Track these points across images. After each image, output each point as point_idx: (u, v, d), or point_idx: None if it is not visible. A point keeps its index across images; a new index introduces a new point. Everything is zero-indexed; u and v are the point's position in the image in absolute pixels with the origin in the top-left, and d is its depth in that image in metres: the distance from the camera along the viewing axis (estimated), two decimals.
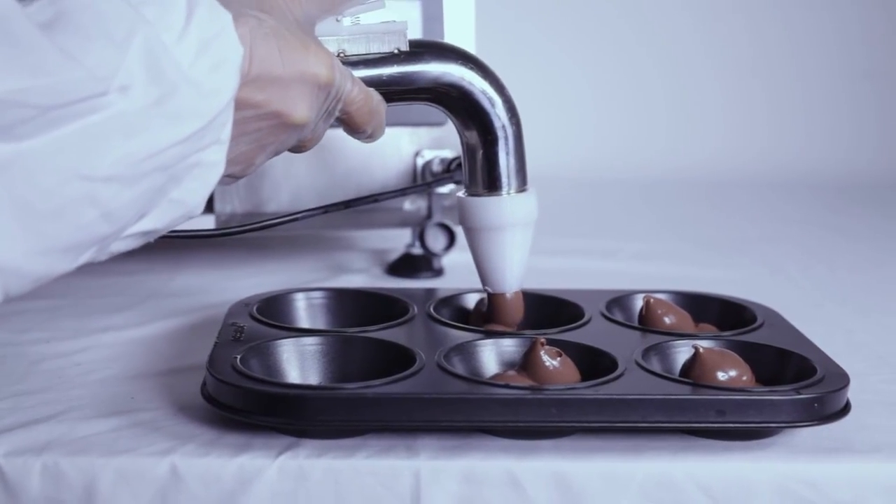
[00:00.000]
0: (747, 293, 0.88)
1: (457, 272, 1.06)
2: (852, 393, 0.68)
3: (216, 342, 0.72)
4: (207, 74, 0.54)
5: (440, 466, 0.63)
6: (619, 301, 0.83)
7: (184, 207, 0.56)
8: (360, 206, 0.89)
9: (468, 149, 0.75)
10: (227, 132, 0.56)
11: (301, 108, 0.60)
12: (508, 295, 0.76)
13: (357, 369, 0.71)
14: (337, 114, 0.65)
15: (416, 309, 0.80)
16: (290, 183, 1.01)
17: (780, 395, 0.65)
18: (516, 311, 0.77)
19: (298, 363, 0.71)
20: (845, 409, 0.67)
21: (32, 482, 0.62)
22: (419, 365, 0.68)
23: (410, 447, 0.65)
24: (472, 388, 0.66)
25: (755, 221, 1.41)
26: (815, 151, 1.71)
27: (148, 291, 0.98)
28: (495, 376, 0.70)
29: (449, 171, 1.00)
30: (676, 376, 0.69)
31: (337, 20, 0.66)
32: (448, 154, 1.03)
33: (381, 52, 0.68)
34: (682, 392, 0.66)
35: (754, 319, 0.80)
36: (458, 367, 0.69)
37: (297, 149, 0.65)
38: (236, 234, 0.82)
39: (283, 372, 0.71)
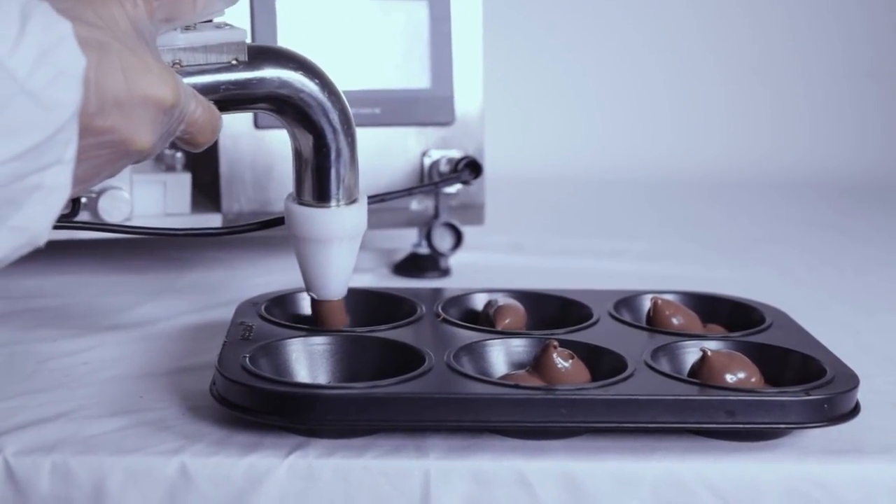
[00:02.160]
0: (754, 294, 0.88)
1: (464, 272, 1.06)
2: (861, 394, 0.68)
3: (225, 341, 0.72)
4: (47, 86, 0.50)
5: (449, 466, 0.63)
6: (627, 301, 0.83)
7: (25, 235, 0.52)
8: (367, 206, 0.89)
9: (299, 157, 0.73)
10: (71, 152, 0.52)
11: (145, 135, 0.57)
12: (332, 301, 0.76)
13: (366, 369, 0.71)
14: (178, 133, 0.62)
15: (423, 309, 0.80)
16: None
17: (789, 396, 0.65)
18: (338, 316, 0.76)
19: (307, 363, 0.71)
20: (855, 410, 0.67)
21: (42, 481, 0.62)
22: (428, 365, 0.68)
23: (420, 447, 0.65)
24: (481, 387, 0.66)
25: (761, 222, 1.41)
26: (820, 152, 1.70)
27: (156, 290, 0.98)
28: (505, 376, 0.70)
29: (456, 170, 1.00)
30: (685, 377, 0.69)
31: (174, 29, 0.64)
32: (455, 154, 1.03)
33: (220, 62, 0.66)
34: (692, 393, 0.66)
35: (763, 320, 0.80)
36: (468, 367, 0.69)
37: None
38: (244, 233, 0.82)
39: (292, 371, 0.71)
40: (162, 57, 0.61)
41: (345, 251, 0.74)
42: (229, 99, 0.67)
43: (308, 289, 0.75)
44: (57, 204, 0.52)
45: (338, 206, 0.73)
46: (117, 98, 0.55)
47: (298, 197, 0.74)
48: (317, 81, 0.70)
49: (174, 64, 0.64)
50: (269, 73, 0.68)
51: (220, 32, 0.66)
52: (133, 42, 0.57)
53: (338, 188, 0.73)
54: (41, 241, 0.53)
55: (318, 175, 0.73)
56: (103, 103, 0.54)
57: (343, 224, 0.73)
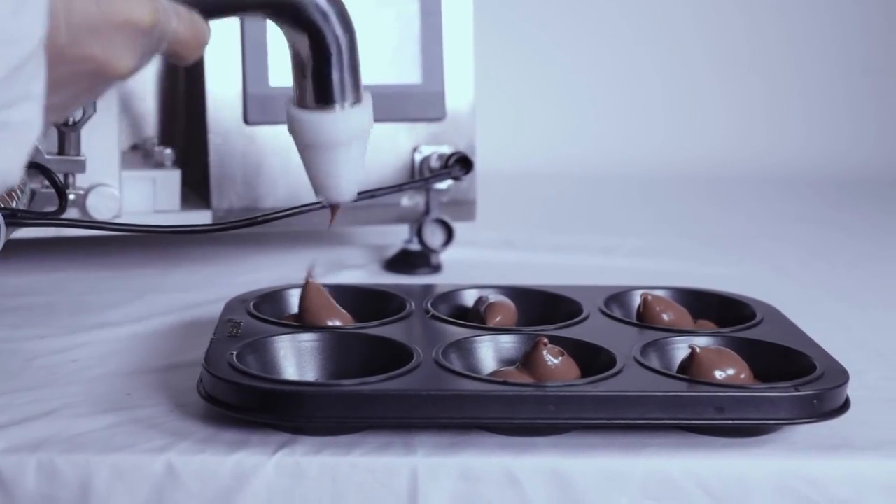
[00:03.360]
0: (746, 289, 0.88)
1: (455, 268, 1.05)
2: (852, 390, 0.68)
3: (213, 338, 0.72)
4: (7, 18, 0.48)
5: (438, 463, 0.63)
6: (617, 297, 0.83)
7: None
8: (358, 202, 0.89)
9: (298, 61, 0.70)
10: (38, 86, 0.50)
11: (125, 59, 0.55)
12: (345, 203, 0.74)
13: (354, 366, 0.70)
14: (161, 52, 0.59)
15: (413, 305, 0.80)
16: (287, 178, 1.00)
17: (779, 391, 0.65)
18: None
19: (295, 360, 0.71)
20: (845, 406, 0.67)
21: (28, 479, 0.62)
22: (416, 361, 0.68)
23: (408, 444, 0.64)
24: (469, 384, 0.66)
25: (754, 217, 1.41)
26: (814, 147, 1.70)
27: (144, 287, 0.97)
28: (494, 373, 0.69)
29: (447, 166, 1.00)
30: (675, 373, 0.69)
31: None
32: (446, 150, 1.02)
33: None
34: (681, 389, 0.65)
35: (753, 316, 0.80)
36: (456, 364, 0.69)
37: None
38: (233, 230, 0.82)
39: (279, 368, 0.70)
40: None
41: (353, 152, 0.71)
42: (216, 6, 0.64)
43: (317, 193, 0.73)
44: (28, 141, 0.51)
45: (342, 108, 0.70)
46: (91, 24, 0.53)
47: (300, 102, 0.70)
48: None
49: None
50: None
51: None
52: None
53: (341, 89, 0.69)
54: (13, 180, 0.51)
55: (318, 77, 0.69)
56: (76, 31, 0.52)
57: (349, 126, 0.70)
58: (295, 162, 1.01)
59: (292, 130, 0.71)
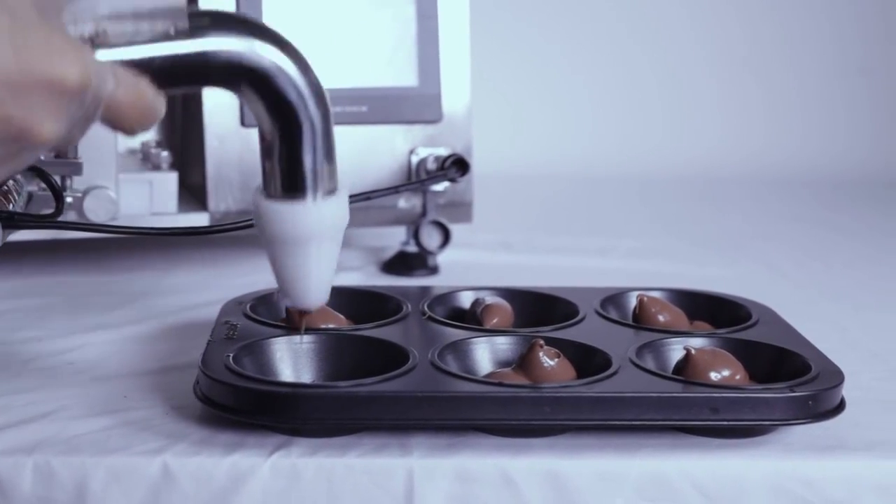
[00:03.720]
0: (742, 290, 0.88)
1: (452, 270, 1.06)
2: (846, 390, 0.68)
3: (209, 340, 0.72)
4: None
5: (433, 465, 0.63)
6: (613, 299, 0.83)
7: None
8: (354, 204, 0.89)
9: (265, 143, 0.61)
10: None
11: (48, 123, 0.50)
12: (312, 310, 0.67)
13: (350, 368, 0.70)
14: (97, 119, 0.54)
15: (409, 307, 0.80)
16: None
17: (774, 392, 0.65)
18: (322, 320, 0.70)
19: (292, 362, 0.71)
20: (840, 407, 0.67)
21: (24, 481, 0.62)
22: (412, 363, 0.68)
23: (404, 445, 0.64)
24: (465, 386, 0.66)
25: (750, 218, 1.41)
26: (810, 148, 1.70)
27: (141, 290, 0.97)
28: (490, 375, 0.70)
29: (444, 168, 1.00)
30: (670, 374, 0.69)
31: None
32: (443, 152, 1.02)
33: (154, 31, 0.56)
34: (676, 390, 0.65)
35: (749, 317, 0.80)
36: (452, 366, 0.69)
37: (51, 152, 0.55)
38: (230, 232, 0.82)
39: (276, 370, 0.70)
40: (81, 27, 0.54)
41: (324, 252, 0.64)
42: (170, 75, 0.56)
43: (284, 296, 0.66)
44: None
45: (314, 199, 0.62)
46: (8, 81, 0.48)
47: (266, 190, 0.62)
48: (278, 48, 0.59)
49: (97, 35, 0.54)
50: (217, 42, 0.57)
51: None
52: (31, 16, 0.50)
53: (313, 178, 0.61)
54: None
55: (288, 162, 0.61)
56: None
57: (321, 221, 0.62)
58: None
59: (257, 221, 0.63)
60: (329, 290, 0.66)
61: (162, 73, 0.56)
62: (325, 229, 0.63)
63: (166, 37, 0.56)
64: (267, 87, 0.59)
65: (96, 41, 0.55)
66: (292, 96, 0.59)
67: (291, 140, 0.60)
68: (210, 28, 0.57)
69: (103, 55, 0.54)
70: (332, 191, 0.63)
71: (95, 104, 0.52)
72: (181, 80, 0.58)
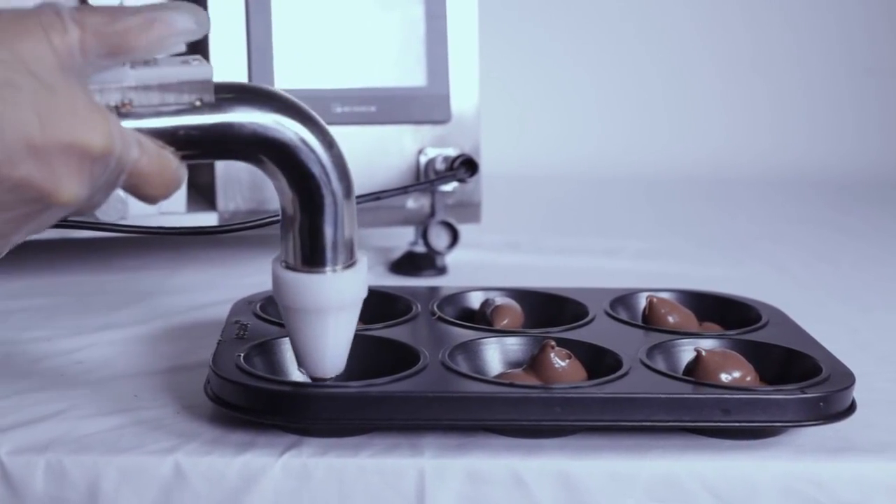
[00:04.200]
0: (751, 292, 0.88)
1: (460, 270, 1.06)
2: (857, 392, 0.68)
3: (220, 340, 0.72)
4: None
5: (444, 465, 0.63)
6: (623, 300, 0.83)
7: None
8: (363, 204, 0.89)
9: (286, 215, 0.62)
10: None
11: (70, 187, 0.50)
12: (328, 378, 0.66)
13: (361, 367, 0.70)
14: (120, 185, 0.55)
15: (419, 307, 0.80)
16: None
17: (785, 394, 0.65)
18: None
19: None
20: (851, 409, 0.67)
21: (36, 480, 0.62)
22: (423, 363, 0.68)
23: (415, 446, 0.64)
24: (476, 386, 0.66)
25: (758, 219, 1.41)
26: (818, 149, 1.70)
27: (149, 289, 0.97)
28: (501, 375, 0.70)
29: (452, 168, 1.00)
30: (681, 375, 0.69)
31: (123, 64, 0.55)
32: (451, 152, 1.02)
33: (179, 103, 0.56)
34: (687, 391, 0.65)
35: (759, 318, 0.80)
36: (463, 366, 0.69)
37: (72, 216, 0.55)
38: (239, 231, 0.82)
39: (286, 370, 0.70)
40: (108, 97, 0.54)
41: (342, 323, 0.64)
42: (194, 145, 0.57)
43: (299, 364, 0.66)
44: None
45: (334, 271, 0.62)
46: (30, 144, 0.49)
47: (286, 260, 0.63)
48: (303, 123, 0.59)
49: (124, 105, 0.55)
50: (242, 115, 0.58)
51: (180, 69, 0.57)
52: (56, 80, 0.50)
53: (333, 250, 0.62)
54: None
55: (309, 234, 0.61)
56: (10, 151, 0.48)
57: (339, 293, 0.63)
58: None
59: (276, 292, 0.64)
60: (345, 359, 0.66)
61: (186, 143, 0.57)
62: (344, 301, 0.63)
63: (192, 109, 0.57)
64: (290, 160, 0.59)
65: (122, 111, 0.55)
66: (315, 170, 0.60)
67: (312, 213, 0.61)
68: (235, 101, 0.58)
69: (127, 124, 0.55)
70: (351, 263, 0.63)
71: (119, 170, 0.53)
72: (205, 150, 0.58)
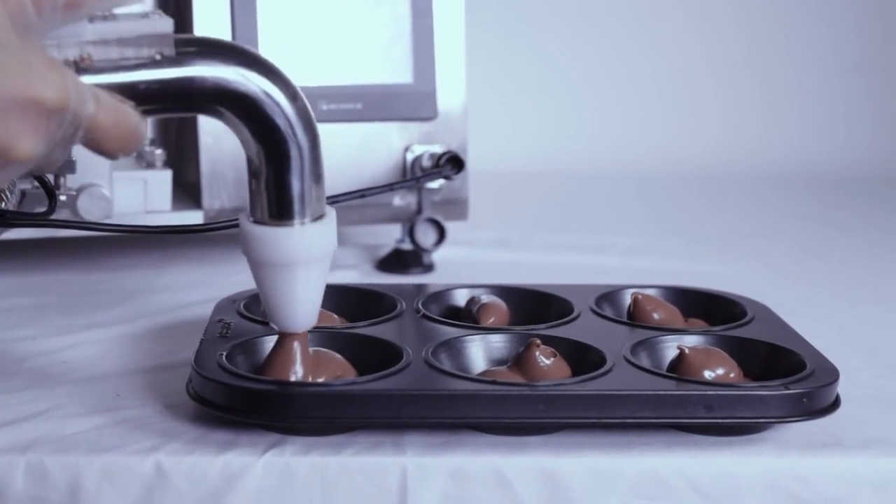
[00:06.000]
0: (740, 288, 0.88)
1: (448, 268, 1.05)
2: (844, 388, 0.68)
3: (202, 339, 0.72)
4: None
5: (427, 463, 0.63)
6: (608, 296, 0.83)
7: None
8: (349, 201, 0.89)
9: (253, 168, 0.62)
10: None
11: (26, 142, 0.50)
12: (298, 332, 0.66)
13: None
14: (78, 140, 0.54)
15: (404, 305, 0.79)
16: None
17: (768, 390, 0.65)
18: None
19: None
20: (835, 404, 0.67)
21: (17, 481, 0.62)
22: (406, 361, 0.68)
23: (398, 444, 0.64)
24: (459, 384, 0.66)
25: (748, 215, 1.41)
26: (808, 145, 1.70)
27: (135, 288, 0.97)
28: (485, 373, 0.69)
29: (438, 165, 1.00)
30: (665, 372, 0.69)
31: (83, 19, 0.55)
32: (438, 149, 1.02)
33: (139, 57, 0.56)
34: (671, 387, 0.65)
35: (744, 314, 0.80)
36: (446, 364, 0.69)
37: (33, 172, 0.56)
38: (224, 230, 0.82)
39: None
40: (66, 52, 0.54)
41: (312, 276, 0.64)
42: (155, 100, 0.57)
43: (270, 320, 0.66)
44: None
45: (302, 224, 0.62)
46: None
47: (254, 215, 0.63)
48: (266, 76, 0.59)
49: (82, 59, 0.55)
50: (204, 69, 0.58)
51: (139, 22, 0.56)
52: (8, 36, 0.50)
53: (301, 203, 0.62)
54: None
55: (276, 188, 0.61)
56: None
57: (308, 246, 0.63)
58: None
59: (244, 247, 0.64)
60: (317, 313, 0.66)
61: (146, 97, 0.56)
62: (313, 254, 0.63)
63: (152, 63, 0.56)
64: (254, 113, 0.59)
65: (80, 65, 0.55)
66: (280, 122, 0.60)
67: (279, 166, 0.61)
68: (196, 55, 0.58)
69: (87, 79, 0.54)
70: (319, 216, 0.63)
71: (76, 125, 0.53)
72: (166, 105, 0.58)
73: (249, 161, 0.62)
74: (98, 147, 0.55)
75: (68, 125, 0.52)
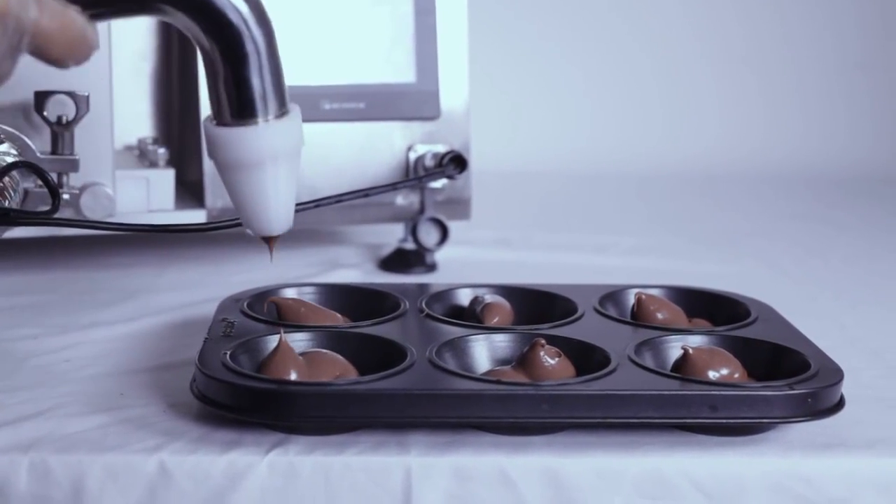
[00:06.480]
0: (742, 288, 0.88)
1: (450, 267, 1.05)
2: (846, 388, 0.68)
3: (206, 338, 0.72)
4: None
5: (431, 463, 0.63)
6: (612, 296, 0.83)
7: None
8: (352, 201, 0.89)
9: (211, 68, 0.60)
10: None
11: None
12: (277, 236, 0.66)
13: None
14: (24, 49, 0.53)
15: (407, 304, 0.79)
16: None
17: (773, 390, 0.65)
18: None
19: None
20: (839, 405, 0.67)
21: (20, 480, 0.62)
22: (410, 361, 0.67)
23: (401, 443, 0.64)
24: (463, 383, 0.66)
25: (749, 215, 1.41)
26: (809, 145, 1.70)
27: (138, 287, 0.97)
28: (489, 372, 0.69)
29: (441, 165, 1.00)
30: (669, 372, 0.69)
31: None
32: (441, 148, 1.02)
33: None
34: (675, 388, 0.65)
35: (748, 314, 0.80)
36: (450, 363, 0.69)
37: None
38: (227, 229, 0.82)
39: None
40: None
41: (282, 175, 0.62)
42: (102, 3, 0.56)
43: (246, 225, 0.65)
44: None
45: (266, 121, 0.61)
46: None
47: (217, 118, 0.62)
48: None
49: None
50: None
51: None
52: None
53: (263, 100, 0.60)
54: None
55: (235, 86, 0.60)
56: None
57: (274, 142, 0.61)
58: None
59: (211, 152, 0.63)
60: (292, 214, 0.65)
61: (92, 1, 0.55)
62: (280, 151, 0.62)
63: None
64: (204, 9, 0.58)
65: None
66: (233, 17, 0.59)
67: (236, 63, 0.59)
68: None
69: None
70: (283, 112, 0.62)
71: (20, 32, 0.52)
72: (114, 7, 0.57)
73: (205, 62, 0.60)
74: (45, 55, 0.54)
75: (12, 33, 0.51)
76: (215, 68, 0.60)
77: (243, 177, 0.63)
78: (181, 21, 0.59)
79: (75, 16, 0.54)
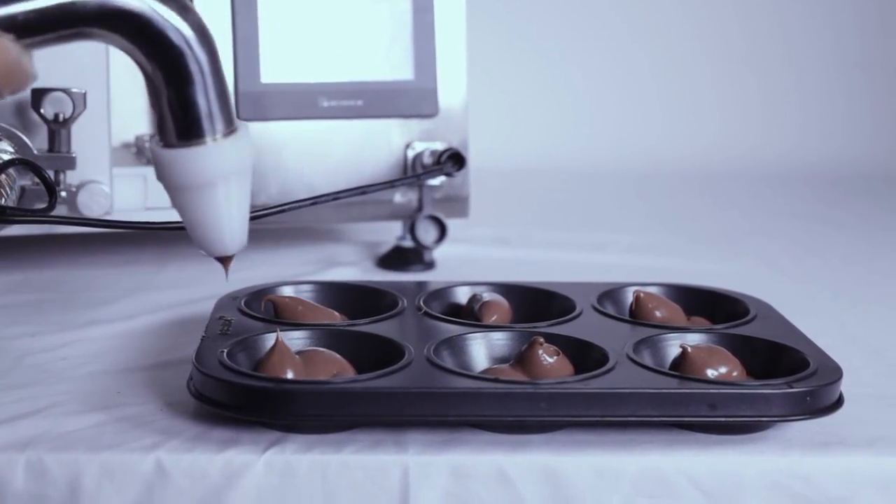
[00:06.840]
0: (740, 286, 0.87)
1: (448, 265, 1.05)
2: (846, 386, 0.68)
3: (203, 336, 0.72)
4: None
5: (429, 461, 0.63)
6: (610, 294, 0.83)
7: None
8: (350, 198, 0.89)
9: (153, 90, 0.59)
10: None
11: None
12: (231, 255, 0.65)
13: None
14: None
15: (405, 302, 0.79)
16: (278, 175, 1.00)
17: (771, 388, 0.65)
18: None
19: None
20: (838, 403, 0.67)
21: (16, 478, 0.61)
22: (408, 359, 0.67)
23: (399, 442, 0.64)
24: (460, 382, 0.65)
25: (748, 214, 1.40)
26: (808, 143, 1.70)
27: (135, 285, 0.97)
28: (487, 371, 0.69)
29: (439, 162, 1.00)
30: (667, 370, 0.69)
31: None
32: (439, 146, 1.02)
33: None
34: (674, 386, 0.65)
35: (747, 312, 0.79)
36: (448, 361, 0.69)
37: None
38: None
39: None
40: None
41: (233, 194, 0.61)
42: (36, 30, 0.55)
43: (199, 247, 0.64)
44: None
45: (214, 140, 0.60)
46: None
47: (163, 139, 0.60)
48: None
49: None
50: None
51: None
52: None
53: (209, 119, 0.59)
54: None
55: (180, 107, 0.59)
56: None
57: (224, 161, 0.60)
58: (286, 158, 1.01)
59: (160, 174, 0.61)
60: (246, 232, 0.64)
61: (27, 29, 0.54)
62: (230, 170, 0.61)
63: None
64: (144, 31, 0.57)
65: None
66: (174, 38, 0.57)
67: (180, 84, 0.58)
68: None
69: None
70: (231, 131, 0.61)
71: None
72: (49, 34, 0.56)
73: (148, 83, 0.59)
74: None
75: None
76: (158, 90, 0.59)
77: (195, 198, 0.61)
78: (119, 44, 0.58)
79: (9, 45, 0.54)
